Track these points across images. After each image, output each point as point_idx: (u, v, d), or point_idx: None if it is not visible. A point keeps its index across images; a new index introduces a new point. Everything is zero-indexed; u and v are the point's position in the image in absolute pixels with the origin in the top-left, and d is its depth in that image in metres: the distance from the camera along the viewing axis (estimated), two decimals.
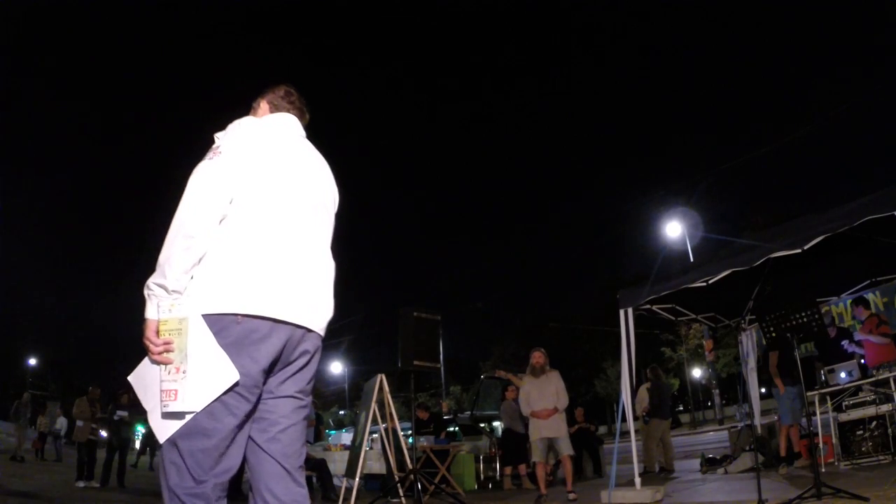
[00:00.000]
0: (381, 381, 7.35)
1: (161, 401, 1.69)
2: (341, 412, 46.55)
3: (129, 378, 1.82)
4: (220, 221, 1.79)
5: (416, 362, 6.97)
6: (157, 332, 1.71)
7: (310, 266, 1.95)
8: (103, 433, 10.42)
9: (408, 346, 6.95)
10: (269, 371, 1.83)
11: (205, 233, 1.73)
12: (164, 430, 1.71)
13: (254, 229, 1.81)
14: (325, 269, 2.03)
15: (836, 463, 6.42)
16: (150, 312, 1.73)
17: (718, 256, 6.25)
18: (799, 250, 5.26)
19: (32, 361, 51.38)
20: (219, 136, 1.92)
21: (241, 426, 1.77)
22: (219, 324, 1.72)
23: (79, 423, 10.36)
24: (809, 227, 5.25)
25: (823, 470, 5.84)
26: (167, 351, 1.70)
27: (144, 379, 1.77)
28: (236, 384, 1.71)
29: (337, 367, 45.28)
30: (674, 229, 21.98)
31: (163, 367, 1.70)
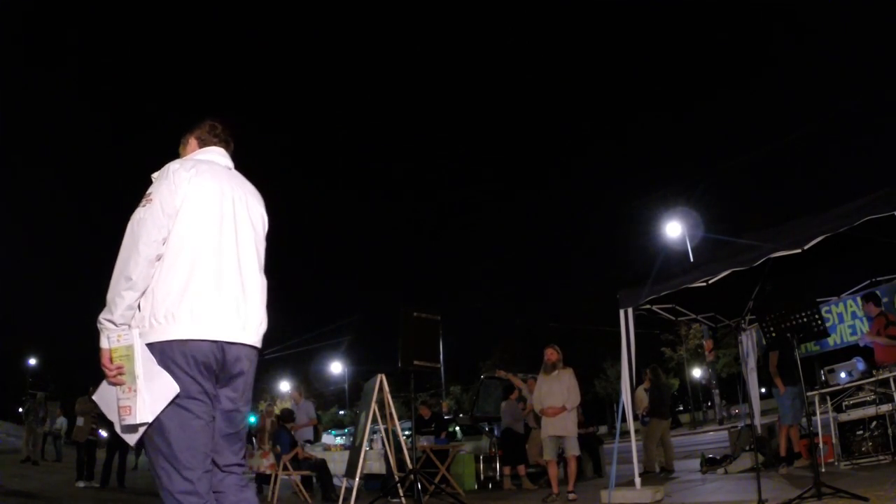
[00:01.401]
0: (381, 381, 7.35)
1: (119, 416, 2.02)
2: (341, 412, 46.54)
3: (94, 397, 2.15)
4: (158, 259, 2.08)
5: (416, 362, 6.98)
6: (111, 359, 2.02)
7: (239, 287, 2.20)
8: (102, 433, 10.41)
9: (408, 346, 6.95)
10: (214, 379, 2.12)
11: (142, 274, 2.03)
12: (129, 439, 2.06)
13: (184, 263, 2.09)
14: (255, 288, 2.27)
15: (836, 463, 6.42)
16: (104, 343, 2.03)
17: (718, 256, 6.24)
18: (799, 250, 5.26)
19: (32, 361, 51.39)
20: (155, 177, 2.21)
21: (206, 424, 2.08)
22: (155, 349, 2.02)
23: (79, 421, 10.35)
24: (809, 227, 5.25)
25: (823, 470, 5.85)
26: (120, 374, 2.01)
27: (105, 398, 2.10)
28: (180, 395, 2.01)
29: (337, 367, 45.28)
30: (674, 229, 21.97)
31: (118, 387, 2.02)
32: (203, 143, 2.47)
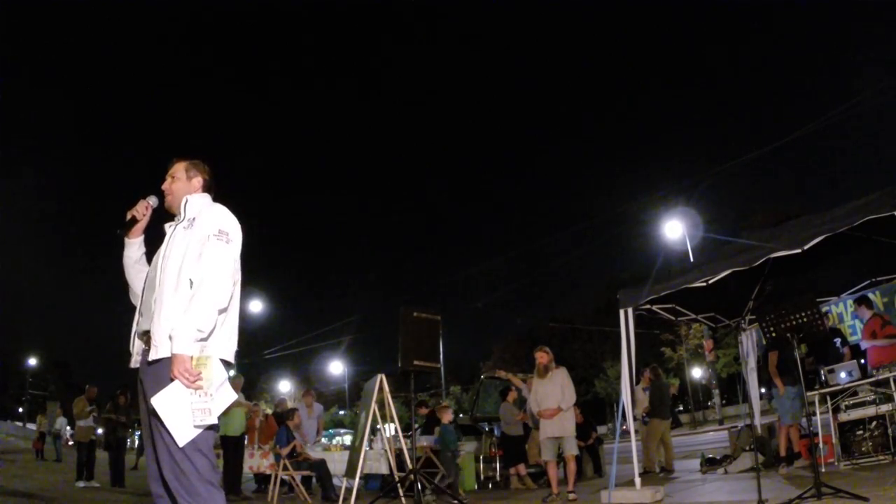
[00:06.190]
0: (381, 381, 7.34)
1: (194, 417, 2.23)
2: (341, 412, 46.51)
3: (154, 400, 2.23)
4: None
5: (416, 362, 6.95)
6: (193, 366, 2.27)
7: None
8: (100, 431, 10.36)
9: (408, 346, 6.93)
10: None
11: (226, 303, 2.41)
12: (185, 438, 2.21)
13: (234, 299, 2.51)
14: None
15: (836, 463, 6.41)
16: (189, 350, 2.24)
17: (718, 256, 6.24)
18: (799, 250, 5.25)
19: (32, 361, 51.29)
20: (211, 211, 2.51)
21: None
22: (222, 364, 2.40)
23: (81, 422, 10.31)
24: (809, 227, 5.25)
25: (823, 470, 5.84)
26: (199, 380, 2.24)
27: (174, 401, 2.23)
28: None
29: (337, 367, 45.20)
30: (674, 229, 21.90)
31: (194, 392, 2.24)
32: (207, 190, 2.71)
